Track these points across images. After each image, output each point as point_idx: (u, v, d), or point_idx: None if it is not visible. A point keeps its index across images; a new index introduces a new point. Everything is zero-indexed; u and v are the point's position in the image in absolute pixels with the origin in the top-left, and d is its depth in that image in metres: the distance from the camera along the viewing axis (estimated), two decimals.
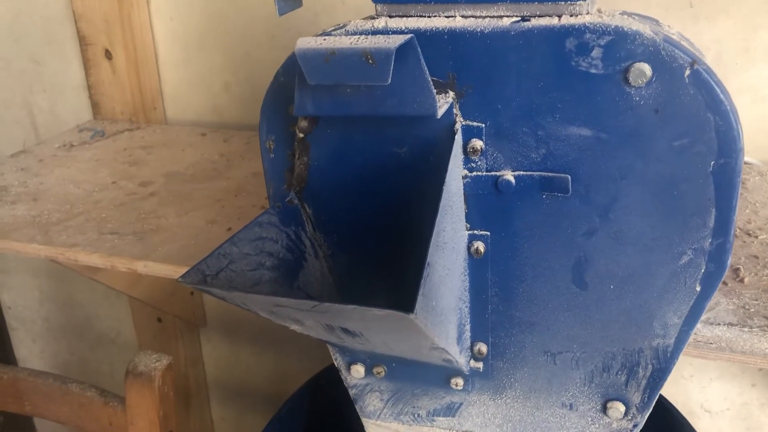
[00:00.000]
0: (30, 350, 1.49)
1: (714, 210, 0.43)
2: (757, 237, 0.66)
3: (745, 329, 0.52)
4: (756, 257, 0.62)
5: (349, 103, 0.43)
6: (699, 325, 0.49)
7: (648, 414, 0.50)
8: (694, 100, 0.40)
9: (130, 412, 0.75)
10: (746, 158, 0.82)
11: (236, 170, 0.95)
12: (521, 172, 0.46)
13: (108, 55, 1.12)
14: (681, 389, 1.03)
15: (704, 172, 0.42)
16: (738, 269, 0.59)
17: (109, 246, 0.74)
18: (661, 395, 0.66)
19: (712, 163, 0.41)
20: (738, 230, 0.67)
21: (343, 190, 0.51)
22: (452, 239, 0.46)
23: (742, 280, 0.58)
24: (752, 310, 0.54)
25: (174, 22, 1.09)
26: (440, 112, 0.42)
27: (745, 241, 0.65)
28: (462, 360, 0.51)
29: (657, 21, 0.45)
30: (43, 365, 1.48)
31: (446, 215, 0.43)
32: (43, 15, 1.15)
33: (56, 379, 0.80)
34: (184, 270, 0.70)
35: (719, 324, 0.53)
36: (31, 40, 1.18)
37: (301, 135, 0.49)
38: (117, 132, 1.11)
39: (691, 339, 0.48)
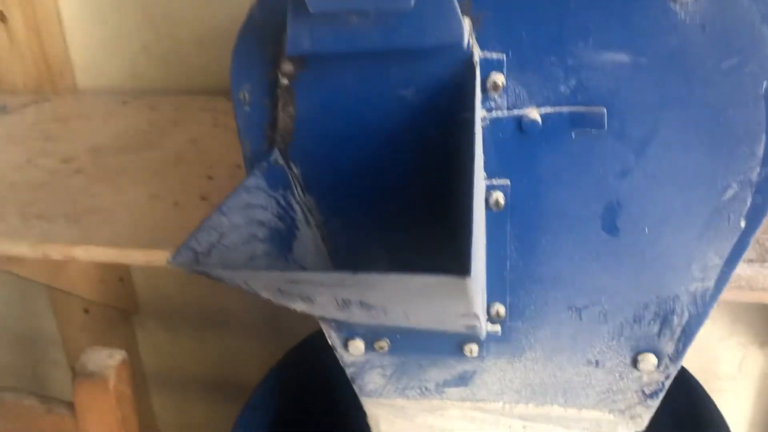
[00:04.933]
0: None
1: (764, 136, 0.39)
2: None
3: (767, 264, 0.50)
4: None
5: (356, 35, 0.36)
6: None
7: (681, 363, 0.47)
8: (748, 12, 0.36)
9: (81, 419, 0.66)
10: None
11: (171, 138, 0.85)
12: (548, 109, 0.41)
13: (2, 17, 0.98)
14: None
15: (755, 94, 0.38)
16: None
17: (38, 232, 0.64)
18: None
19: (765, 83, 0.38)
20: None
21: (337, 144, 0.44)
22: (480, 191, 0.40)
23: None
24: (767, 245, 0.52)
25: None
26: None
27: None
28: (483, 325, 0.46)
29: None
30: None
31: (480, 165, 0.37)
32: None
33: None
34: (135, 252, 0.62)
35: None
36: None
37: (286, 81, 0.42)
38: (22, 105, 0.98)
39: None
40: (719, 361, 0.99)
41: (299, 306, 0.41)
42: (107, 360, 0.64)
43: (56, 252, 0.63)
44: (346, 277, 0.33)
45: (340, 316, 0.43)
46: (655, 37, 0.38)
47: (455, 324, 0.43)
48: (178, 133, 0.87)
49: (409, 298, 0.37)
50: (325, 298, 0.38)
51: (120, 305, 1.17)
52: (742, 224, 0.41)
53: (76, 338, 1.18)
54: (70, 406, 0.67)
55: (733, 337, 0.96)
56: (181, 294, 1.18)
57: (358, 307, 0.39)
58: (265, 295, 0.39)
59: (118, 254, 0.62)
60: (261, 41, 0.42)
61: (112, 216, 0.67)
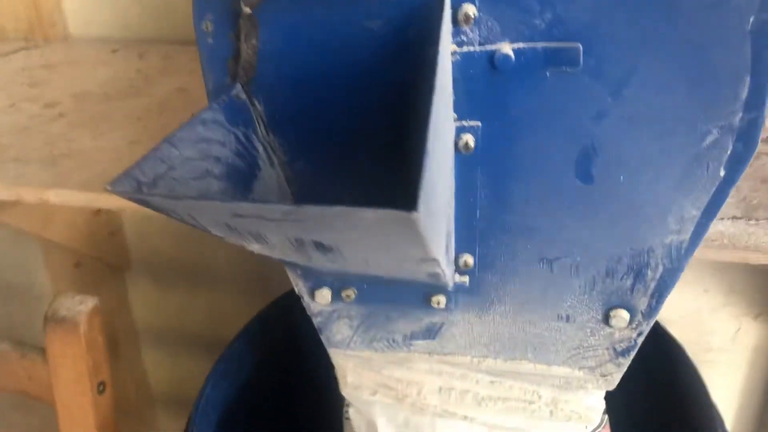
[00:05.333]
0: None
1: (748, 78, 0.36)
2: None
3: (752, 222, 0.48)
4: None
5: None
6: None
7: (654, 321, 0.46)
8: None
9: (53, 364, 0.65)
10: None
11: (157, 87, 0.83)
12: (522, 44, 0.38)
13: None
14: None
15: (741, 31, 0.35)
16: None
17: (12, 175, 0.63)
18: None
19: (752, 19, 0.35)
20: None
21: (302, 80, 0.42)
22: (443, 130, 0.38)
23: None
24: (754, 202, 0.50)
25: None
26: None
27: None
28: (449, 274, 0.44)
29: None
30: None
31: (442, 97, 0.35)
32: None
33: None
34: (109, 196, 0.60)
35: (722, 218, 0.49)
36: None
37: (248, 10, 0.40)
38: (10, 52, 0.97)
39: None
40: (713, 333, 0.97)
41: (254, 247, 0.39)
42: (78, 306, 0.63)
43: (30, 194, 0.62)
44: (290, 210, 0.31)
45: (299, 259, 0.42)
46: None
47: (416, 271, 0.41)
48: (166, 82, 0.85)
49: (361, 238, 0.35)
50: (277, 236, 0.36)
51: (111, 260, 1.17)
52: (722, 173, 0.39)
53: (68, 291, 1.17)
54: (43, 351, 0.66)
55: (727, 308, 0.94)
56: (174, 250, 1.17)
57: (314, 249, 0.38)
58: (214, 231, 0.37)
59: (91, 198, 0.61)
60: None
61: (89, 160, 0.65)
